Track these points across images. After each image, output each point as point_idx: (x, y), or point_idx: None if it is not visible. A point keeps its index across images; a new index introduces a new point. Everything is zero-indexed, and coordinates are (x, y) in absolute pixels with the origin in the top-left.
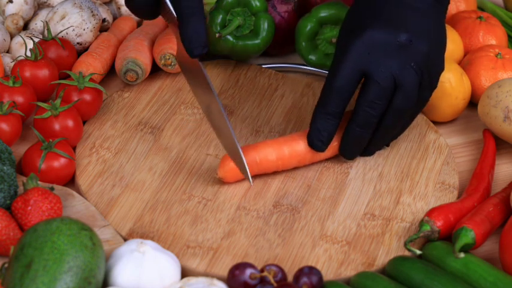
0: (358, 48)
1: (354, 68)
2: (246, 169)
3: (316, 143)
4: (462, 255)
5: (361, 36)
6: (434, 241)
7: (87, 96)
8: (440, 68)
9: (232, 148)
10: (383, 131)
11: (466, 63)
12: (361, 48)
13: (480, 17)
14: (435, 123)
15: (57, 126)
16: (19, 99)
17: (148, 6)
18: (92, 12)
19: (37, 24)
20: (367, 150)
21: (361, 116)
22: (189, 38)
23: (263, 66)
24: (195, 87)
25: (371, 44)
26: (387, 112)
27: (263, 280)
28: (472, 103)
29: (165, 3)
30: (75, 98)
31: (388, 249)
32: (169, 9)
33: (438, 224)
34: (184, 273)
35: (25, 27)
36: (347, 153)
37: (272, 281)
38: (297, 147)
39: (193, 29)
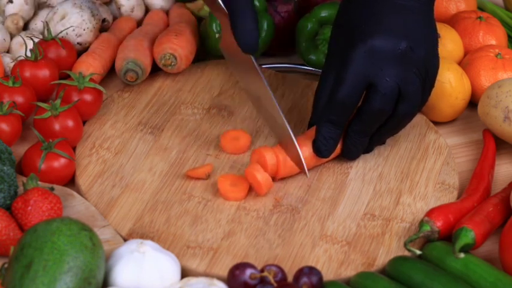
0: (361, 58)
1: (359, 79)
2: (300, 159)
3: (323, 151)
4: (462, 255)
5: (363, 46)
6: (434, 241)
7: (87, 96)
8: (437, 66)
9: (286, 138)
10: (384, 132)
11: (466, 63)
12: (364, 58)
13: (480, 17)
14: (435, 123)
15: (57, 127)
16: (19, 99)
17: None
18: (92, 12)
19: (37, 24)
20: (366, 149)
21: (365, 124)
22: (242, 34)
23: (263, 66)
24: (244, 78)
25: (373, 54)
26: (390, 118)
27: (263, 280)
28: (472, 103)
29: None
30: (75, 98)
31: (388, 249)
32: (217, 2)
33: (438, 224)
34: (184, 274)
35: (25, 27)
36: (350, 156)
37: (272, 281)
38: (303, 153)
39: (247, 25)
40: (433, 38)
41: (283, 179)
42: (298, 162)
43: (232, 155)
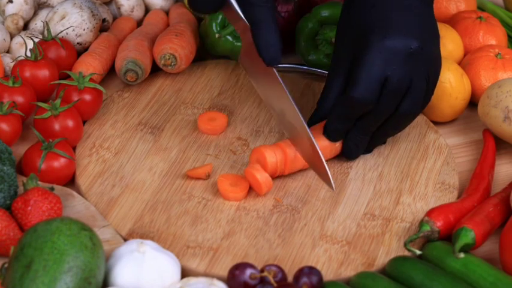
0: (376, 59)
1: (375, 79)
2: (328, 175)
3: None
4: (462, 255)
5: (377, 46)
6: (434, 241)
7: (87, 96)
8: (440, 66)
9: (314, 157)
10: (385, 131)
11: (466, 63)
12: (378, 59)
13: (480, 17)
14: (435, 123)
15: (57, 126)
16: (19, 99)
17: (213, 4)
18: (92, 12)
19: (37, 24)
20: (366, 149)
21: (367, 122)
22: (265, 48)
23: None
24: (265, 92)
25: (387, 53)
26: (393, 116)
27: (263, 280)
28: (472, 103)
29: (233, 8)
30: (75, 98)
31: (388, 249)
32: (238, 14)
33: (438, 224)
34: (184, 273)
35: (25, 27)
36: (350, 155)
37: (272, 281)
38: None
39: (270, 38)
40: (437, 38)
41: (282, 178)
42: (325, 179)
43: (233, 155)
